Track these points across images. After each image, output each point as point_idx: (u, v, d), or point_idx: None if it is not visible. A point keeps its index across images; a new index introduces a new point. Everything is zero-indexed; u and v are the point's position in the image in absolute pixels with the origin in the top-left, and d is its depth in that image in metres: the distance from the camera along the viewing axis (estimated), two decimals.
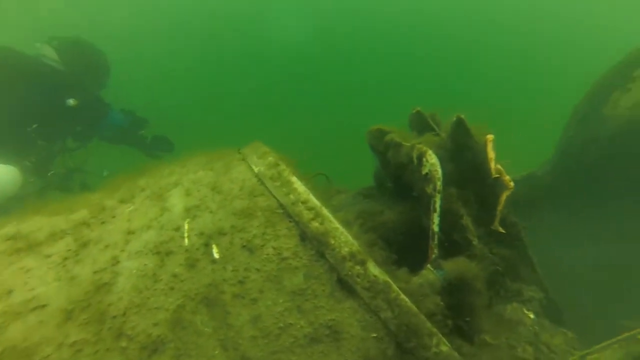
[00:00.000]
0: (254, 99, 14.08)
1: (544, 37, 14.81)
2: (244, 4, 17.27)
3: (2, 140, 3.64)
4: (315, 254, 1.23)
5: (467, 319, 1.49)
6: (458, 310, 1.46)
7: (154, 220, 1.30)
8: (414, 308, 1.22)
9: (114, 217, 1.34)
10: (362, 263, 1.22)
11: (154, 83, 14.04)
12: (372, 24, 16.31)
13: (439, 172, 1.53)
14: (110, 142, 4.82)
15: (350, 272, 1.21)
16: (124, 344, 1.03)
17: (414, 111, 2.08)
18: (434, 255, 1.50)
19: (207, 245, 1.24)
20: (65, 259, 1.19)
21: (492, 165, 1.89)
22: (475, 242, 1.76)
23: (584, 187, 3.28)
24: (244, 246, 1.25)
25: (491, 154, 1.91)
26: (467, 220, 1.79)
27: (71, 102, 3.93)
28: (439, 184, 1.51)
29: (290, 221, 1.29)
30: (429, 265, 1.43)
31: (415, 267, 1.48)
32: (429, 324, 1.23)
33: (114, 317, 1.07)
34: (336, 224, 1.26)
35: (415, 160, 1.60)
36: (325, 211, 1.28)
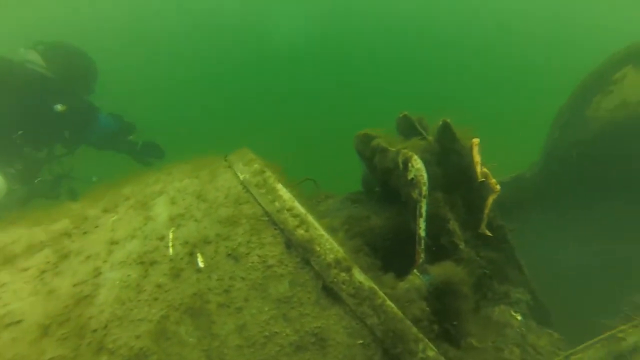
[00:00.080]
0: (246, 103, 14.06)
1: (536, 38, 15.02)
2: (236, 8, 17.30)
3: None
4: (301, 261, 1.23)
5: (454, 323, 1.50)
6: (445, 315, 1.47)
7: (138, 229, 1.29)
8: (400, 314, 1.23)
9: (96, 227, 1.32)
10: (348, 270, 1.23)
11: (145, 88, 13.97)
12: (362, 29, 16.42)
13: (424, 177, 1.54)
14: (100, 148, 4.76)
15: (335, 279, 1.21)
16: (104, 358, 1.01)
17: (401, 115, 2.09)
18: (420, 260, 1.50)
19: (192, 255, 1.23)
20: (43, 272, 1.17)
21: (478, 168, 1.91)
22: (462, 246, 1.77)
23: (569, 188, 3.33)
24: (229, 255, 1.24)
25: (477, 157, 1.93)
26: (454, 225, 1.80)
27: (59, 107, 3.89)
28: (424, 188, 1.52)
29: (275, 229, 1.28)
30: (415, 270, 1.44)
31: (403, 272, 1.49)
32: (415, 330, 1.23)
33: (95, 330, 1.05)
34: (321, 231, 1.26)
35: (401, 165, 1.61)
36: (310, 218, 1.28)
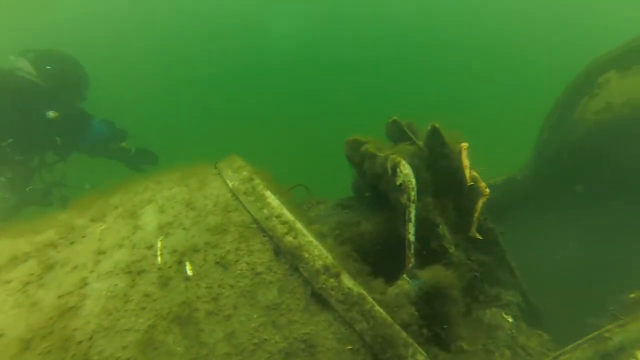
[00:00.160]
0: (242, 107, 14.08)
1: (534, 38, 15.13)
2: (235, 8, 17.35)
3: None
4: (289, 268, 1.24)
5: (444, 326, 1.51)
6: (435, 319, 1.48)
7: (126, 238, 1.29)
8: (389, 319, 1.23)
9: (84, 236, 1.32)
10: (336, 276, 1.23)
11: (140, 93, 13.95)
12: (360, 32, 16.52)
13: (412, 182, 1.55)
14: (92, 154, 4.74)
15: (324, 285, 1.21)
16: None
17: (390, 120, 2.10)
18: (410, 265, 1.51)
19: (181, 263, 1.23)
20: (27, 284, 1.16)
21: (467, 172, 1.93)
22: (452, 250, 1.79)
23: (560, 189, 3.36)
24: (217, 262, 1.25)
25: (466, 161, 1.95)
26: (443, 229, 1.81)
27: (51, 114, 3.88)
28: (412, 194, 1.53)
29: (264, 236, 1.29)
30: (404, 275, 1.45)
31: (394, 277, 1.50)
32: (404, 334, 1.24)
33: (80, 342, 1.04)
34: (310, 238, 1.26)
35: (389, 171, 1.62)
36: (299, 225, 1.29)
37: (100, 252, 1.24)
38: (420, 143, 2.01)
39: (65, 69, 4.20)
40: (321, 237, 1.35)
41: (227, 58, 15.94)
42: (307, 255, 1.24)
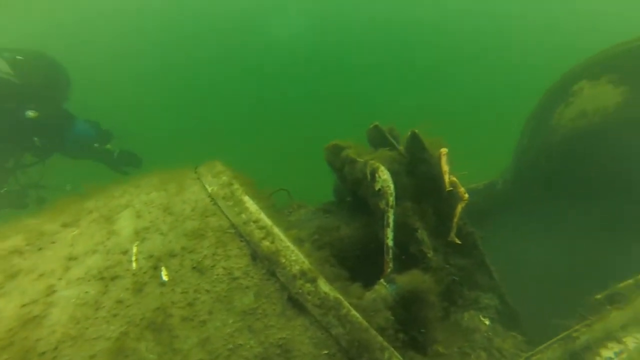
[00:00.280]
0: (229, 113, 14.01)
1: (530, 39, 15.38)
2: (228, 12, 17.31)
3: None
4: (266, 273, 1.24)
5: (422, 330, 1.53)
6: (412, 323, 1.49)
7: (100, 244, 1.27)
8: (365, 323, 1.25)
9: (53, 242, 1.29)
10: (313, 280, 1.24)
11: (129, 95, 13.80)
12: (340, 38, 16.62)
13: (391, 187, 1.57)
14: (74, 156, 4.65)
15: (300, 290, 1.22)
16: None
17: (371, 126, 2.13)
18: (389, 270, 1.53)
19: (156, 268, 1.22)
20: None
21: (447, 178, 1.96)
22: (430, 254, 1.81)
23: (539, 193, 3.44)
24: (194, 267, 1.24)
25: (445, 167, 1.98)
26: (422, 234, 1.84)
27: (30, 114, 3.79)
28: (391, 199, 1.55)
29: (241, 241, 1.29)
30: (382, 280, 1.46)
31: (373, 281, 1.51)
32: (380, 339, 1.25)
33: (43, 353, 1.01)
34: (287, 243, 1.27)
35: (368, 176, 1.64)
36: (276, 230, 1.29)
37: (71, 258, 1.22)
38: (401, 148, 2.04)
39: (42, 69, 4.11)
40: (299, 242, 1.36)
41: (228, 57, 15.89)
42: (284, 260, 1.24)
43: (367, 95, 13.44)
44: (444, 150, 2.00)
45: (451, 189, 1.96)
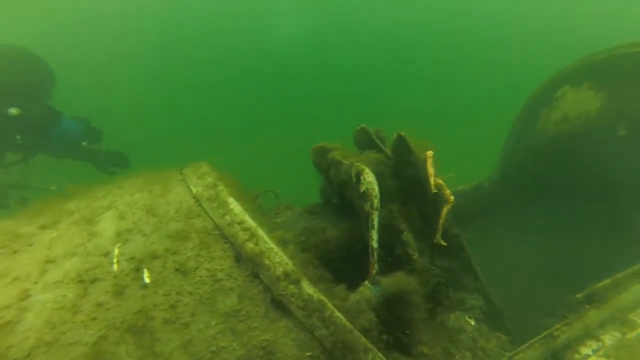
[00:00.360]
0: (229, 114, 13.94)
1: (528, 40, 15.54)
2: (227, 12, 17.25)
3: None
4: (250, 274, 1.24)
5: (407, 331, 1.54)
6: (397, 324, 1.50)
7: (79, 246, 1.25)
8: (349, 325, 1.25)
9: (30, 245, 1.27)
10: (297, 282, 1.24)
11: (124, 95, 13.67)
12: (340, 38, 16.66)
13: (375, 189, 1.58)
14: (59, 156, 4.56)
15: (284, 292, 1.22)
16: None
17: (358, 128, 2.14)
18: (374, 271, 1.53)
19: (138, 270, 1.21)
20: None
21: (432, 180, 1.98)
22: (415, 256, 1.82)
23: (526, 195, 3.50)
24: (177, 269, 1.23)
25: (431, 169, 1.99)
26: (407, 236, 1.85)
27: (13, 111, 3.72)
28: (375, 201, 1.56)
29: (225, 242, 1.28)
30: (366, 282, 1.47)
31: (358, 283, 1.52)
32: (363, 340, 1.26)
33: None
34: (271, 245, 1.27)
35: (354, 179, 1.64)
36: (260, 232, 1.29)
37: (49, 261, 1.20)
38: (388, 151, 2.05)
39: (25, 66, 4.03)
40: (283, 243, 1.35)
41: (220, 62, 15.84)
42: (267, 262, 1.24)
43: (367, 96, 13.48)
44: (429, 153, 2.02)
45: (437, 191, 1.97)
